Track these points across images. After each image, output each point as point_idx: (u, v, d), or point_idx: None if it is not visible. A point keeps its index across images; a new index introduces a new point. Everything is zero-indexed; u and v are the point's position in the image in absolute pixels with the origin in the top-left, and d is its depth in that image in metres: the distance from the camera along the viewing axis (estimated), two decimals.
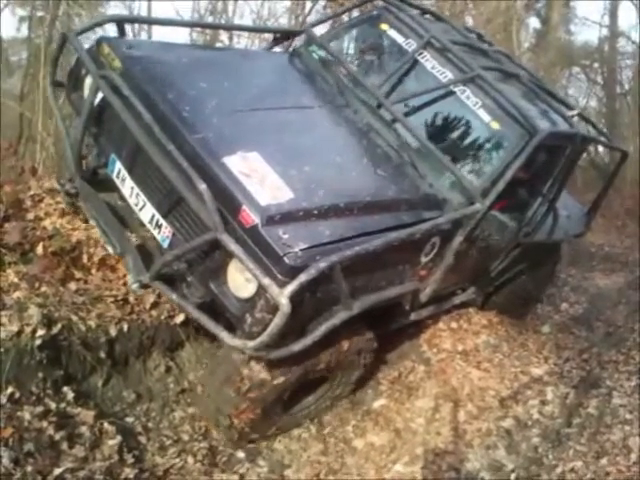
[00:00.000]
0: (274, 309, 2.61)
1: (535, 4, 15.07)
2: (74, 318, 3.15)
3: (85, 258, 3.55)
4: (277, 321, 2.60)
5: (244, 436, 3.32)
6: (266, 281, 2.59)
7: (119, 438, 2.97)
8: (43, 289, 3.22)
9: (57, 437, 2.74)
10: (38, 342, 2.93)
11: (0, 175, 3.77)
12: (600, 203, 5.25)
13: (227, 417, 3.22)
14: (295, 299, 2.59)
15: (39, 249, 3.39)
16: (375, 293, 3.17)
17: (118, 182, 3.24)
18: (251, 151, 2.97)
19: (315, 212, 2.86)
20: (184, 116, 3.02)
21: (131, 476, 2.87)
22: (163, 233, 3.05)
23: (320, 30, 4.73)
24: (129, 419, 3.27)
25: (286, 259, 2.63)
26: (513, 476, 3.50)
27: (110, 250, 3.23)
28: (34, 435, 2.67)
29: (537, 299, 5.52)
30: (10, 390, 2.80)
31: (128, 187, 3.18)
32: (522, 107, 3.74)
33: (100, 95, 3.12)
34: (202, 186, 2.70)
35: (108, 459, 2.85)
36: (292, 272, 2.61)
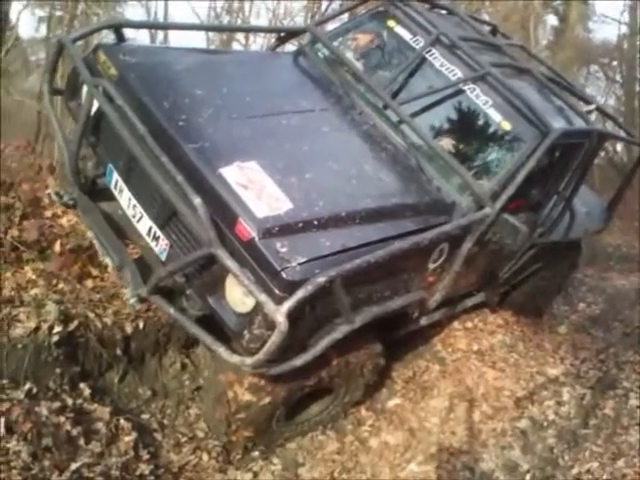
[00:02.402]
0: (272, 325, 2.51)
1: (553, 1, 14.96)
2: (91, 315, 3.19)
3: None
4: (274, 339, 2.51)
5: (247, 449, 3.28)
6: (262, 297, 2.48)
7: (135, 434, 3.01)
8: (60, 286, 3.27)
9: (74, 432, 2.78)
10: (55, 338, 2.98)
11: (18, 173, 3.80)
12: (620, 198, 5.09)
13: (224, 434, 3.20)
14: (293, 315, 2.50)
15: (56, 247, 3.43)
16: (379, 304, 3.05)
17: (116, 192, 3.17)
18: (249, 160, 2.88)
19: (315, 222, 2.75)
20: (180, 125, 2.93)
21: (146, 472, 2.90)
22: (161, 245, 2.96)
23: (329, 28, 4.63)
24: (145, 416, 3.30)
25: (284, 274, 2.53)
26: (528, 477, 3.47)
27: (108, 263, 3.15)
28: (51, 430, 2.72)
29: (554, 297, 5.42)
30: (28, 386, 2.86)
31: (126, 198, 3.11)
32: (535, 105, 3.61)
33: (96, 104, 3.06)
34: (196, 200, 2.63)
35: (124, 455, 2.89)
36: (290, 287, 2.51)
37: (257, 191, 2.76)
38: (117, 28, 3.47)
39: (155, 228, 2.97)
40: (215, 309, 2.79)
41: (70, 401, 2.93)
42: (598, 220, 5.06)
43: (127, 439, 2.96)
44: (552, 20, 15.75)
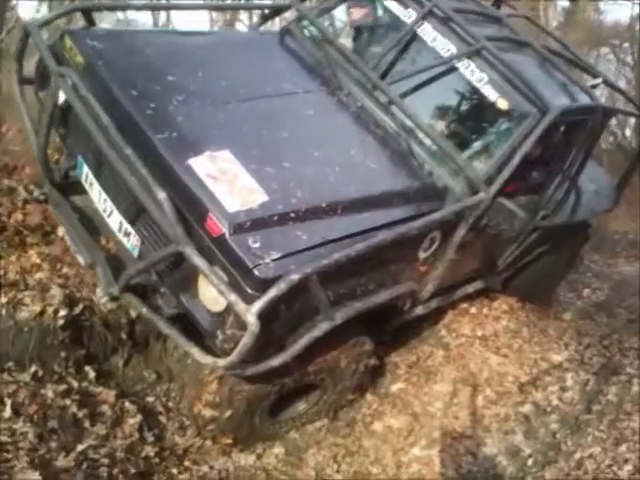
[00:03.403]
0: (245, 325, 2.36)
1: None
2: (95, 299, 3.19)
3: (104, 240, 3.57)
4: (246, 340, 2.37)
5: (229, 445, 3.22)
6: (232, 297, 2.35)
7: (140, 417, 3.03)
8: (65, 270, 3.27)
9: (80, 415, 2.81)
10: (60, 322, 2.99)
11: (21, 157, 3.80)
12: (630, 176, 4.92)
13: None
14: (267, 314, 2.37)
15: (60, 231, 3.43)
16: (362, 299, 2.88)
17: (87, 186, 3.04)
18: (221, 149, 2.71)
19: (292, 215, 2.59)
20: (147, 114, 2.77)
21: (151, 454, 2.93)
22: (132, 242, 2.84)
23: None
24: (149, 399, 3.32)
25: (256, 271, 2.39)
26: (530, 461, 3.49)
27: (80, 260, 3.03)
28: (57, 412, 2.75)
29: (561, 280, 5.33)
30: (34, 368, 2.88)
31: (96, 192, 2.98)
32: (533, 82, 3.39)
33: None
34: (161, 194, 2.49)
35: (129, 437, 2.91)
36: (263, 285, 2.37)
37: (229, 183, 2.60)
38: (86, 11, 3.29)
39: (125, 224, 2.85)
40: (188, 308, 2.68)
41: (75, 384, 2.96)
42: (606, 199, 4.87)
43: (132, 422, 2.99)
44: (563, 1, 15.54)
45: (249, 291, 2.40)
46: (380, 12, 3.86)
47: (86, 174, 3.03)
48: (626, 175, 4.99)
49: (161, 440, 3.11)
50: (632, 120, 11.98)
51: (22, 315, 2.94)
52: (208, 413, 2.97)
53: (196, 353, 2.59)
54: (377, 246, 2.69)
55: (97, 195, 2.98)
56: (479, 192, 3.22)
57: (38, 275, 3.15)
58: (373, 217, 2.83)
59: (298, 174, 2.80)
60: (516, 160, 3.28)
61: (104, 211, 2.96)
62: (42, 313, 2.96)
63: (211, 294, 2.52)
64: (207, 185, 2.57)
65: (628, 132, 13.15)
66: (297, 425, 3.42)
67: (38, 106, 3.28)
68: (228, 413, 2.96)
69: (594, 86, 4.11)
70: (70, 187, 3.23)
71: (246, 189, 2.61)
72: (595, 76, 4.28)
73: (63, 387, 2.88)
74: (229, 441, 3.15)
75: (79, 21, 3.46)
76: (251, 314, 2.32)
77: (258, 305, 2.34)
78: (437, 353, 4.31)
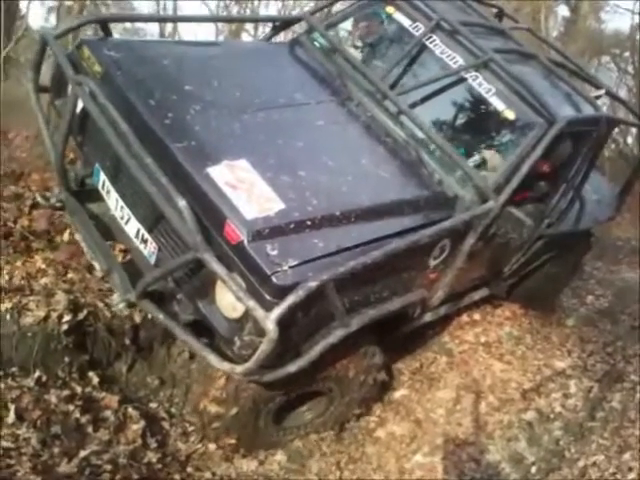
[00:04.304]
0: (263, 332, 2.39)
1: None
2: (100, 304, 3.20)
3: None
4: (264, 347, 2.39)
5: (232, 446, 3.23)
6: (251, 304, 2.37)
7: (143, 423, 3.03)
8: (70, 275, 3.28)
9: (83, 420, 2.81)
10: (64, 327, 2.99)
11: (28, 163, 3.82)
12: (632, 184, 4.97)
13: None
14: (285, 321, 2.39)
15: (65, 236, 3.45)
16: (377, 306, 2.92)
17: (104, 193, 3.08)
18: (239, 158, 2.77)
19: (308, 223, 2.63)
20: (166, 124, 2.82)
21: (154, 460, 2.93)
22: (149, 249, 2.87)
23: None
24: (153, 404, 3.32)
25: (274, 278, 2.42)
26: (534, 469, 3.48)
27: (96, 267, 3.10)
28: (61, 418, 2.75)
29: (565, 288, 5.36)
30: (37, 374, 2.89)
31: (113, 199, 3.02)
32: (540, 93, 3.46)
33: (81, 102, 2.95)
34: (181, 202, 2.53)
35: (132, 443, 2.91)
36: (281, 292, 2.40)
37: (247, 191, 2.64)
38: (103, 23, 3.37)
39: (143, 231, 2.89)
40: (205, 314, 2.71)
41: (79, 389, 2.96)
42: (609, 207, 4.93)
43: (135, 427, 2.99)
44: (563, 10, 15.60)
45: (267, 298, 2.43)
46: (388, 25, 3.94)
47: (103, 181, 3.07)
48: (628, 183, 5.03)
49: (164, 446, 3.11)
50: (634, 129, 12.01)
51: (26, 320, 2.94)
52: (214, 409, 3.00)
53: (213, 360, 2.60)
54: (392, 254, 2.72)
55: (114, 202, 3.02)
56: (488, 201, 3.26)
57: (43, 280, 3.15)
58: (385, 225, 2.87)
59: (313, 183, 2.84)
60: (524, 169, 3.33)
61: (121, 218, 3.00)
62: (46, 318, 2.97)
63: (228, 301, 2.55)
64: (225, 193, 2.60)
65: (630, 140, 13.16)
66: (302, 434, 3.42)
67: (52, 114, 3.32)
68: (234, 410, 2.97)
69: (597, 97, 4.17)
70: (86, 194, 3.28)
71: (263, 197, 2.65)
72: (598, 87, 4.35)
73: (66, 392, 2.88)
74: (232, 441, 3.14)
75: (87, 31, 3.50)
76: (270, 321, 2.34)
77: (277, 312, 2.36)
78: (440, 360, 4.31)
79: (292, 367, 2.66)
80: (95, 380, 3.08)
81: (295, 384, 2.96)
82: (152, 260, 2.88)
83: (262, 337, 2.40)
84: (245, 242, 2.49)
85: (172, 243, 2.76)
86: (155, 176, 2.61)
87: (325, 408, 3.38)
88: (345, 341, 2.77)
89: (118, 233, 3.14)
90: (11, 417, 2.62)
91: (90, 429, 2.81)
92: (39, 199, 3.47)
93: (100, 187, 3.11)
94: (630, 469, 3.33)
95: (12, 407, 2.65)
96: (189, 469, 3.08)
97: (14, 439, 2.56)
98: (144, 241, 2.90)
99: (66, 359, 3.02)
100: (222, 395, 2.97)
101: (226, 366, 2.58)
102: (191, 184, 2.65)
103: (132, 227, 2.95)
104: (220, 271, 2.43)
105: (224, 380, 2.96)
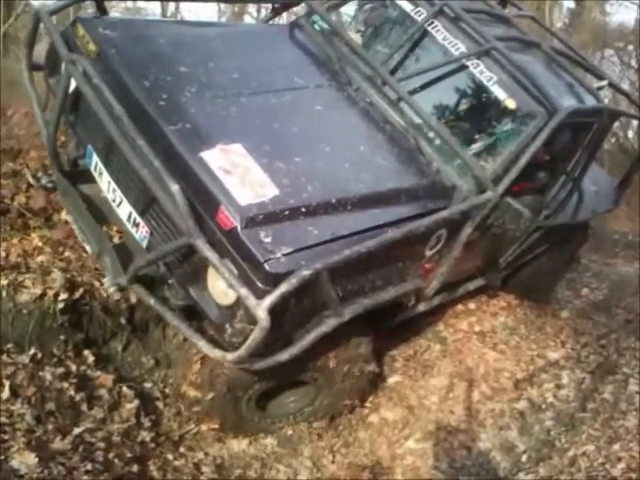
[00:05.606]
0: (255, 320, 2.35)
1: None
2: (96, 284, 3.21)
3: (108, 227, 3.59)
4: (256, 335, 2.35)
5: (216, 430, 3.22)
6: (243, 291, 2.33)
7: (137, 402, 3.05)
8: (66, 254, 3.29)
9: (77, 398, 2.83)
10: (60, 305, 3.00)
11: (26, 141, 3.80)
12: (632, 177, 4.95)
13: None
14: (277, 309, 2.35)
15: (63, 214, 3.44)
16: (370, 296, 2.86)
17: (96, 175, 3.02)
18: (233, 143, 2.70)
19: (303, 210, 2.57)
20: (160, 105, 2.75)
21: (147, 439, 2.95)
22: (141, 232, 2.82)
23: None
24: (147, 384, 3.34)
25: (267, 266, 2.37)
26: (524, 457, 3.51)
27: (87, 249, 3.06)
28: (55, 395, 2.76)
29: (560, 279, 5.37)
30: (33, 351, 2.90)
31: (105, 181, 2.96)
32: (542, 82, 3.40)
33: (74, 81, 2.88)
34: (174, 187, 2.46)
35: (126, 422, 2.93)
36: (274, 280, 2.35)
37: (241, 176, 2.58)
38: (98, 0, 3.27)
39: (135, 214, 2.84)
40: (197, 300, 2.67)
41: (74, 367, 2.97)
42: (607, 200, 4.91)
43: (129, 406, 3.00)
44: (568, 2, 15.53)
45: (260, 285, 2.39)
46: (390, 9, 3.86)
47: (95, 163, 3.02)
48: (627, 176, 5.01)
49: (157, 426, 3.13)
50: (634, 122, 11.99)
51: (22, 297, 2.95)
52: (192, 393, 2.99)
53: (204, 346, 2.57)
54: (387, 243, 2.68)
55: (106, 185, 2.97)
56: (486, 191, 3.22)
57: (40, 258, 3.16)
58: (381, 214, 2.82)
59: (309, 169, 2.79)
60: (524, 160, 3.28)
61: (113, 201, 2.95)
62: (42, 296, 2.97)
63: (220, 287, 2.52)
64: (219, 178, 2.55)
65: (630, 134, 13.15)
66: (291, 422, 3.39)
67: (47, 92, 3.27)
68: (210, 395, 2.96)
69: (600, 88, 4.10)
70: (78, 175, 3.22)
71: (257, 183, 2.59)
72: (601, 78, 4.28)
73: (61, 370, 2.89)
74: (215, 426, 3.14)
75: (88, 9, 3.45)
76: (262, 309, 2.31)
77: (269, 300, 2.32)
78: (434, 347, 4.33)
79: (283, 355, 2.62)
80: (90, 359, 3.09)
81: (276, 373, 2.87)
82: (144, 244, 2.83)
83: (253, 325, 2.37)
84: (238, 228, 2.44)
85: (164, 227, 2.71)
86: (148, 159, 2.56)
87: (313, 397, 3.34)
88: (335, 330, 2.72)
89: (110, 215, 3.08)
90: (6, 393, 2.63)
91: (84, 407, 2.83)
92: (30, 179, 3.43)
93: (92, 169, 3.06)
94: (619, 459, 3.35)
95: (7, 383, 2.66)
96: (182, 449, 3.10)
97: (9, 415, 2.57)
98: (136, 225, 2.85)
99: (61, 337, 3.03)
100: (197, 380, 2.96)
101: (217, 353, 2.54)
102: (184, 168, 2.59)
103: (124, 210, 2.90)
104: (212, 257, 2.39)
105: (199, 365, 2.95)
